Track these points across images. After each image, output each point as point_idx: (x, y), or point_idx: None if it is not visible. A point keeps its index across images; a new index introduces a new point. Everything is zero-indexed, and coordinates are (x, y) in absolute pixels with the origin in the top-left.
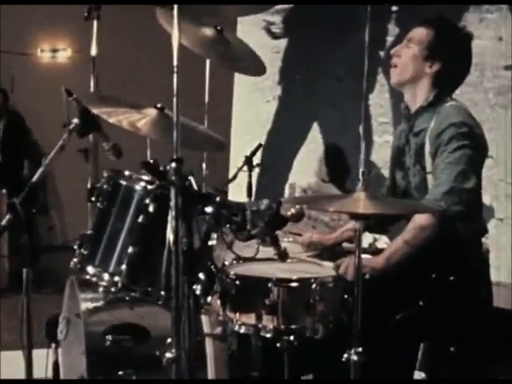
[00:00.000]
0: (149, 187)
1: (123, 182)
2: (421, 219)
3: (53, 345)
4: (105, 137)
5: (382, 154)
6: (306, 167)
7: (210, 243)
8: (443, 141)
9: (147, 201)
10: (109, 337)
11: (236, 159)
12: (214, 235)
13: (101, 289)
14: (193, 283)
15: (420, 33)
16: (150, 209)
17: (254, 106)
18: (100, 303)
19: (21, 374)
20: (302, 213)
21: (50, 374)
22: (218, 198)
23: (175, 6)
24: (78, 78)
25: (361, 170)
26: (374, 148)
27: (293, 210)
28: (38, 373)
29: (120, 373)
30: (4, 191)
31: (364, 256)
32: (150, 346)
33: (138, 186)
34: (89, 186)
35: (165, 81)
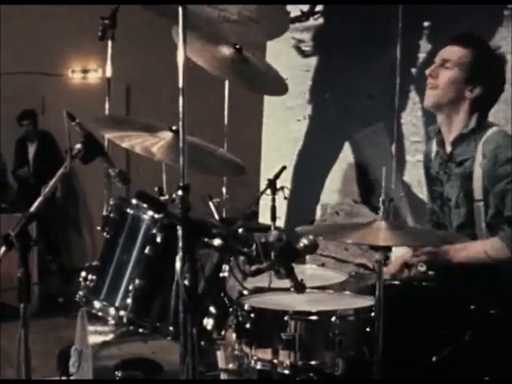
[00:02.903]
0: (156, 216)
1: (130, 211)
2: None
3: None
4: (110, 163)
5: (415, 174)
6: (338, 187)
7: (221, 275)
8: (502, 175)
9: (154, 231)
10: (118, 373)
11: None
12: (226, 267)
13: (111, 322)
14: (198, 319)
15: (457, 53)
16: (158, 239)
17: (284, 126)
18: (109, 337)
19: None
20: (315, 244)
21: None
22: (224, 231)
23: (180, 24)
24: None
25: (381, 199)
26: (407, 168)
27: (305, 241)
28: None
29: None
30: None
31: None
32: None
33: (146, 216)
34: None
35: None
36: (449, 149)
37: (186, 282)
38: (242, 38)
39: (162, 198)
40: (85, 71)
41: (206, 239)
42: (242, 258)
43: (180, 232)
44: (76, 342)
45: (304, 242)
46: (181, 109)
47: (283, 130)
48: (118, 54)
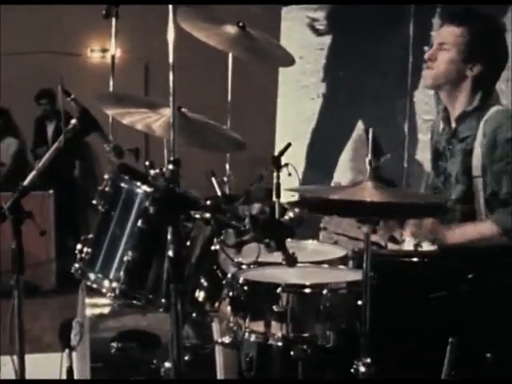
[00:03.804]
0: (149, 190)
1: (125, 185)
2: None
3: (66, 350)
4: (105, 138)
5: (427, 152)
6: (351, 166)
7: (213, 248)
8: (499, 156)
9: (147, 204)
10: (114, 344)
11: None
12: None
13: (109, 294)
14: (187, 291)
15: (453, 33)
16: (150, 212)
17: (298, 104)
18: (107, 309)
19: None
20: (300, 217)
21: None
22: (209, 203)
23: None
24: (127, 79)
25: (367, 159)
26: (419, 147)
27: (291, 214)
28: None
29: None
30: (51, 192)
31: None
32: (160, 353)
33: (140, 190)
34: None
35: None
36: (454, 125)
37: (171, 254)
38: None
39: (153, 172)
40: (103, 50)
41: (193, 212)
42: (230, 231)
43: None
44: (78, 315)
45: (289, 214)
46: (171, 84)
47: (297, 108)
48: (136, 33)
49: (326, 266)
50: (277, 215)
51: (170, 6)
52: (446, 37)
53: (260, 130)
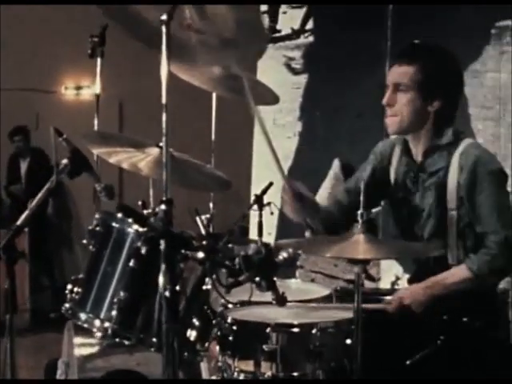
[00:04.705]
0: (141, 230)
1: (115, 225)
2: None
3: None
4: (96, 178)
5: None
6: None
7: (204, 288)
8: (480, 189)
9: (138, 244)
10: None
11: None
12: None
13: (97, 334)
14: (181, 331)
15: (407, 73)
16: (142, 252)
17: (274, 143)
18: (95, 349)
19: None
20: (294, 257)
21: None
22: (205, 243)
23: (163, 40)
24: (102, 116)
25: (359, 212)
26: None
27: (285, 254)
28: None
29: None
30: (26, 229)
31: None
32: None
33: (131, 229)
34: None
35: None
36: (419, 159)
37: (167, 294)
38: (221, 62)
39: (146, 212)
40: (78, 88)
41: (188, 252)
42: (223, 270)
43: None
44: (63, 355)
45: (283, 255)
46: (164, 125)
47: (274, 146)
48: (110, 71)
49: (312, 304)
50: (250, 251)
51: (164, 48)
52: (400, 77)
53: (236, 168)
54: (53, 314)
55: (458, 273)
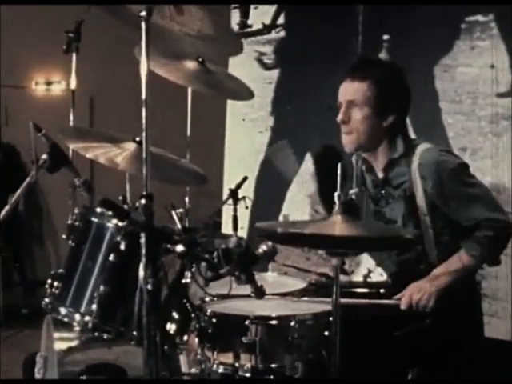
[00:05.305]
0: (120, 224)
1: (95, 220)
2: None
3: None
4: (75, 173)
5: None
6: (299, 198)
7: (184, 281)
8: (452, 194)
9: (118, 238)
10: (83, 377)
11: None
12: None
13: (76, 328)
14: (161, 324)
15: (360, 89)
16: (122, 247)
17: (246, 137)
18: (75, 343)
19: None
20: (274, 250)
21: None
22: (185, 236)
23: (143, 36)
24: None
25: (336, 194)
26: None
27: (264, 247)
28: None
29: None
30: None
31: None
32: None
33: (110, 224)
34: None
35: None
36: (381, 174)
37: (149, 287)
38: (201, 52)
39: (126, 207)
40: (48, 83)
41: (169, 246)
42: (203, 264)
43: (143, 239)
44: (41, 349)
45: (263, 248)
46: (144, 120)
47: (246, 141)
48: (81, 66)
49: (290, 297)
50: (231, 244)
51: (143, 42)
52: (353, 94)
53: (209, 163)
54: (25, 310)
55: (458, 260)
